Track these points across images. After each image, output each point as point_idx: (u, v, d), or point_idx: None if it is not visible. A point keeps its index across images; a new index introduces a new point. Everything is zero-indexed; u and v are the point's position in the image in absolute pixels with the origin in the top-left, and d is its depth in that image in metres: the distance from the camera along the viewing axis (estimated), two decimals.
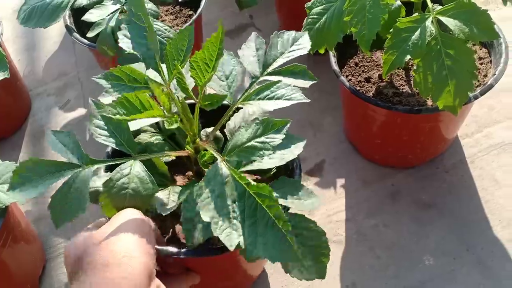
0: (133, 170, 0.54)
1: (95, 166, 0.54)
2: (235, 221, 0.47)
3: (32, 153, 1.09)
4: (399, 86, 0.84)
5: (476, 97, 0.76)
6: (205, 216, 0.47)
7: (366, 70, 0.88)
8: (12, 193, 0.51)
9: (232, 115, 0.63)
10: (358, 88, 0.84)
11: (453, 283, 0.78)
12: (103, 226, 0.51)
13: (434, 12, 0.70)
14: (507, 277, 0.77)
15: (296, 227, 0.52)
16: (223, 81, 0.62)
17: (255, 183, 0.48)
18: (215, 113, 0.61)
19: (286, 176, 0.58)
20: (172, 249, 0.56)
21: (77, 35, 0.97)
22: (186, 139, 0.58)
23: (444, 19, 0.69)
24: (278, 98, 0.56)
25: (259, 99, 0.57)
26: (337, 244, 0.84)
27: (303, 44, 0.63)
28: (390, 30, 0.72)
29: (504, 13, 1.05)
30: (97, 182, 0.57)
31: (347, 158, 0.96)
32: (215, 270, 0.67)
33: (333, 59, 0.85)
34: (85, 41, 0.95)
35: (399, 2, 0.76)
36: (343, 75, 0.84)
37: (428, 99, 0.80)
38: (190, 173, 0.69)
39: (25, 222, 0.87)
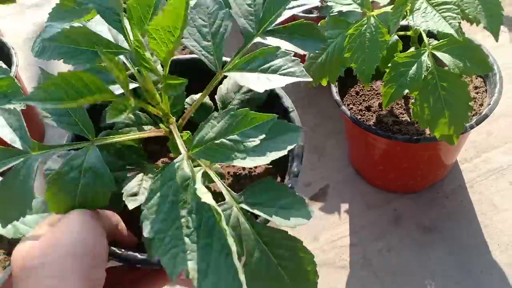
0: (86, 162, 0.43)
1: (43, 152, 0.44)
2: (187, 239, 0.37)
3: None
4: (399, 115, 0.87)
5: (472, 127, 0.79)
6: (146, 229, 0.38)
7: (366, 99, 0.91)
8: None
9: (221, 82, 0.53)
10: (359, 116, 0.88)
11: None
12: (45, 236, 0.41)
13: (429, 47, 0.74)
14: None
15: (275, 246, 0.40)
16: (208, 40, 0.49)
17: (210, 199, 0.37)
18: (203, 74, 0.51)
19: (282, 173, 0.48)
20: (135, 256, 0.45)
21: None
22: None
23: (439, 54, 0.73)
24: (273, 72, 0.44)
25: (250, 69, 0.45)
26: (342, 269, 0.87)
27: None
28: (389, 64, 0.75)
29: (501, 39, 1.08)
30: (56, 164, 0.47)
31: (351, 182, 0.99)
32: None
33: (334, 89, 0.89)
34: None
35: (396, 37, 0.80)
36: (345, 104, 0.88)
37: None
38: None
39: None
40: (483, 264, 0.84)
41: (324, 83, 0.82)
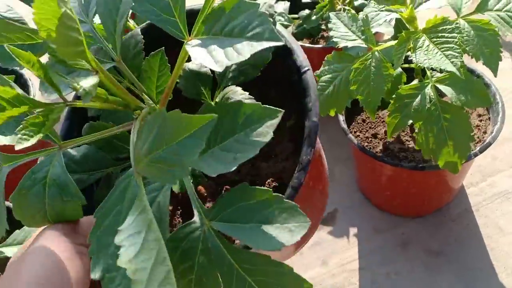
0: (50, 173, 0.39)
1: (12, 165, 0.40)
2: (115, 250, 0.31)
3: None
4: (405, 142, 0.90)
5: (476, 155, 0.82)
6: (95, 272, 0.34)
7: (373, 127, 0.95)
8: None
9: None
10: (366, 144, 0.91)
11: None
12: (13, 263, 0.38)
13: (432, 80, 0.77)
14: None
15: (257, 273, 0.33)
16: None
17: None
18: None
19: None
20: None
21: None
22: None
23: (442, 87, 0.76)
24: (237, 35, 0.33)
25: (215, 34, 0.35)
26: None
27: None
28: (393, 95, 0.79)
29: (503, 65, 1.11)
30: None
31: (359, 207, 1.02)
32: None
33: (341, 118, 0.92)
34: None
35: (400, 69, 0.83)
36: (351, 132, 0.91)
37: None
38: None
39: None
40: (489, 287, 0.86)
41: (332, 113, 0.85)
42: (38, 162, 0.39)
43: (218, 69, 0.32)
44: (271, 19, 0.35)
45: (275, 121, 0.32)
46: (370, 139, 0.93)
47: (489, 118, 0.90)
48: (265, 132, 0.32)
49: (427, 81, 0.77)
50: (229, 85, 0.45)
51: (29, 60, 0.34)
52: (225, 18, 0.34)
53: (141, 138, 0.33)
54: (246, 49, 0.32)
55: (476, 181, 1.00)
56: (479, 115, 0.91)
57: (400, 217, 0.98)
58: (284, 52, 0.45)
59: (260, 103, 0.34)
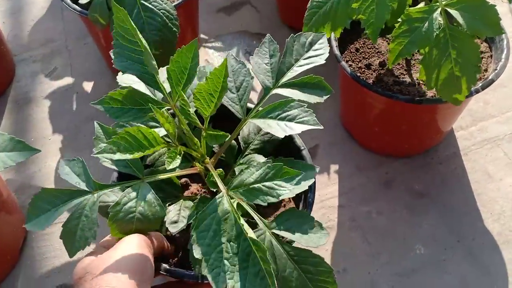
0: (140, 194, 0.53)
1: (104, 191, 0.53)
2: (226, 262, 0.45)
3: (15, 120, 1.05)
4: (399, 75, 0.84)
5: (477, 91, 0.76)
6: (196, 253, 0.45)
7: (366, 57, 0.87)
8: (29, 224, 0.53)
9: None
10: (358, 74, 0.83)
11: (444, 272, 0.79)
12: (106, 253, 0.50)
13: (442, 3, 0.69)
14: (496, 268, 0.79)
15: (302, 262, 0.50)
16: (233, 93, 0.59)
17: (252, 233, 0.46)
18: (228, 120, 0.61)
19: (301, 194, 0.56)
20: (183, 272, 0.54)
21: (68, 1, 0.93)
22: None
23: (452, 11, 0.69)
24: (290, 120, 0.52)
25: (270, 117, 0.53)
26: (329, 230, 0.84)
27: (321, 49, 0.58)
28: (398, 19, 0.71)
29: (501, 9, 1.06)
30: (111, 197, 0.57)
31: (342, 144, 0.95)
32: None
33: (334, 43, 0.84)
34: (77, 7, 0.91)
35: None
36: (344, 60, 0.83)
37: (428, 90, 0.80)
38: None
39: (6, 192, 0.84)
40: (474, 232, 0.83)
41: (328, 35, 0.77)
42: (125, 192, 0.53)
43: (281, 135, 0.51)
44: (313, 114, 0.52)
45: (313, 173, 0.55)
46: (363, 69, 0.85)
47: (491, 56, 0.84)
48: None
49: (436, 4, 0.70)
50: (252, 153, 0.62)
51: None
52: (281, 110, 0.53)
53: (242, 175, 0.50)
54: (297, 127, 0.51)
55: (466, 125, 0.96)
56: (481, 52, 0.85)
57: (385, 156, 0.93)
58: (289, 138, 0.64)
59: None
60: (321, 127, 0.50)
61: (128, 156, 0.48)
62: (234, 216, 0.47)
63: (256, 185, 0.49)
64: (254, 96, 1.05)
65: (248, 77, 0.59)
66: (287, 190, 0.48)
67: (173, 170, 0.55)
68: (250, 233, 0.46)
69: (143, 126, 0.50)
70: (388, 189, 0.89)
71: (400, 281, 0.79)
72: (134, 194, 0.53)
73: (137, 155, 0.48)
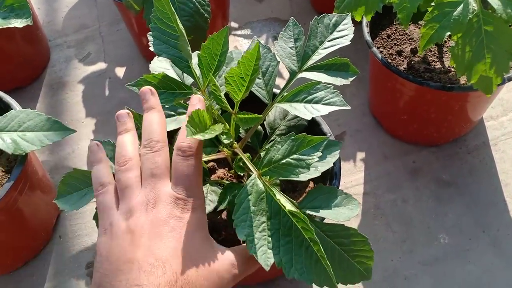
0: None
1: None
2: (269, 239, 0.46)
3: (50, 104, 1.09)
4: (431, 62, 0.83)
5: (510, 79, 0.75)
6: (240, 234, 0.46)
7: (398, 43, 0.87)
8: (60, 201, 0.54)
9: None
10: (389, 61, 0.83)
11: (467, 263, 0.79)
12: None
13: None
14: None
15: (336, 236, 0.50)
16: (259, 78, 0.59)
17: (290, 206, 0.47)
18: (253, 105, 0.61)
19: (326, 180, 0.57)
20: None
21: None
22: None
23: None
24: (316, 102, 0.52)
25: (297, 101, 0.53)
26: (354, 217, 0.84)
27: (345, 30, 0.58)
28: (431, 3, 0.70)
29: None
30: None
31: (369, 131, 0.95)
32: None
33: (366, 29, 0.84)
34: None
35: None
36: (375, 46, 0.83)
37: (460, 78, 0.79)
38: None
39: (42, 172, 0.87)
40: (500, 223, 0.82)
41: (358, 18, 0.77)
42: None
43: (308, 117, 0.51)
44: (340, 95, 0.51)
45: (338, 150, 0.55)
46: (394, 56, 0.85)
47: None
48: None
49: None
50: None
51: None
52: (307, 93, 0.52)
53: (269, 154, 0.51)
54: (324, 108, 0.51)
55: (496, 115, 0.94)
56: None
57: (412, 145, 0.92)
58: (315, 123, 0.66)
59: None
60: (349, 107, 0.50)
61: (198, 136, 0.47)
62: (270, 194, 0.47)
63: (284, 160, 0.49)
64: (280, 83, 1.05)
65: (274, 62, 0.59)
66: (316, 158, 0.48)
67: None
68: (288, 207, 0.47)
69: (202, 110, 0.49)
70: (415, 177, 0.88)
71: (423, 270, 0.79)
72: None
73: (202, 134, 0.47)
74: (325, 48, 0.57)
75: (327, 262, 0.45)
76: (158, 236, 0.43)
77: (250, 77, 0.51)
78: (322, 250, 0.45)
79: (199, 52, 0.54)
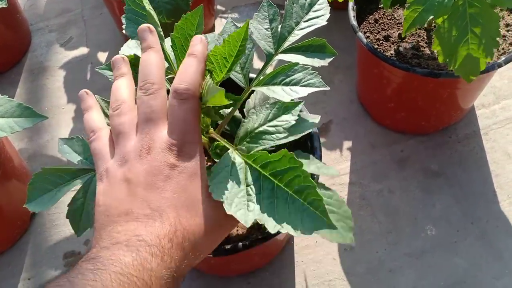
0: None
1: None
2: (250, 203, 0.44)
3: (30, 90, 1.06)
4: (419, 48, 0.80)
5: (499, 65, 0.72)
6: (217, 196, 0.44)
7: (385, 28, 0.83)
8: (30, 205, 0.52)
9: (248, 97, 0.59)
10: (376, 46, 0.80)
11: (454, 255, 0.76)
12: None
13: None
14: (509, 253, 0.76)
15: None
16: None
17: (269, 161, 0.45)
18: (233, 90, 0.58)
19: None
20: None
21: None
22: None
23: None
24: (294, 84, 0.50)
25: (274, 83, 0.51)
26: None
27: (321, 10, 0.55)
28: None
29: None
30: None
31: (356, 120, 0.92)
32: None
33: (352, 13, 0.81)
34: None
35: None
36: (361, 31, 0.80)
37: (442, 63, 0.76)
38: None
39: (17, 159, 0.85)
40: (489, 215, 0.79)
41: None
42: None
43: (287, 99, 0.48)
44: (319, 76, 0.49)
45: (316, 119, 0.51)
46: (381, 41, 0.82)
47: None
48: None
49: None
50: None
51: None
52: (285, 75, 0.50)
53: (243, 126, 0.50)
54: (302, 90, 0.49)
55: (488, 103, 0.91)
56: (507, 25, 0.80)
57: (401, 133, 0.89)
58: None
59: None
60: (328, 88, 0.48)
61: None
62: (249, 163, 0.46)
63: (261, 128, 0.48)
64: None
65: (250, 44, 0.56)
66: (292, 122, 0.47)
67: None
68: (268, 171, 0.45)
69: None
70: (402, 167, 0.85)
71: (409, 262, 0.76)
72: None
73: None
74: (301, 29, 0.54)
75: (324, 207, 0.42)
76: (153, 186, 0.41)
77: (234, 58, 0.48)
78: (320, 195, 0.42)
79: (173, 33, 0.51)
